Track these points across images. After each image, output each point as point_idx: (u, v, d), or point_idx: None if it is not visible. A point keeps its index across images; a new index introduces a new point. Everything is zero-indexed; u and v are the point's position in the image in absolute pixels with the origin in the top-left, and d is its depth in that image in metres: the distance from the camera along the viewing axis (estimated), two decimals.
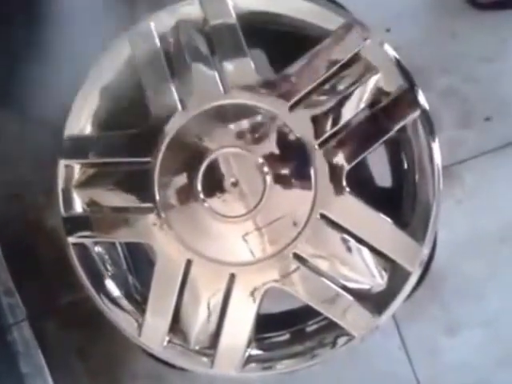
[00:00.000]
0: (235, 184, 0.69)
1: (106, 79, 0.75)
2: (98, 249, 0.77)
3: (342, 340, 0.72)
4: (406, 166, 0.72)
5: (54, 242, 1.08)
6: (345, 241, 0.69)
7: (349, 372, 1.09)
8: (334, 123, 0.69)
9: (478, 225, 1.09)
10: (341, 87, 0.69)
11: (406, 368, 1.09)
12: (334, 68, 0.69)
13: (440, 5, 1.13)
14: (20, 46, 1.16)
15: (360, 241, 0.69)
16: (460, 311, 1.09)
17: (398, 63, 0.69)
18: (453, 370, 1.08)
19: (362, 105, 0.69)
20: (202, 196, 0.69)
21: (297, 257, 0.70)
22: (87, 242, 0.76)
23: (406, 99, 0.69)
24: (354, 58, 0.69)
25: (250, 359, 0.73)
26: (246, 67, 0.70)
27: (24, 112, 1.17)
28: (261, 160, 0.69)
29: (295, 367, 0.73)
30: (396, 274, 0.70)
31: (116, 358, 1.14)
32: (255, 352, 0.74)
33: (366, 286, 0.70)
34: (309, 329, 0.76)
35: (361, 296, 0.70)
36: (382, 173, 0.78)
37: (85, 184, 0.76)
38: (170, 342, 0.74)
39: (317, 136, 0.69)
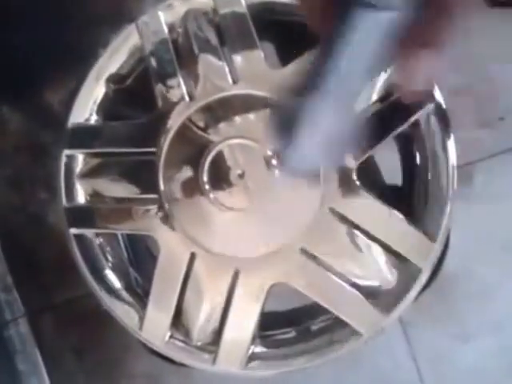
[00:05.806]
0: (242, 176, 0.67)
1: (113, 68, 0.74)
2: (99, 240, 0.75)
3: (348, 339, 0.70)
4: (418, 162, 0.70)
5: (54, 238, 1.07)
6: (354, 236, 0.67)
7: (353, 377, 1.07)
8: None
9: (489, 226, 1.07)
10: None
11: (412, 374, 1.06)
12: None
13: None
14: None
15: (370, 236, 0.67)
16: (469, 315, 1.06)
17: None
18: (462, 376, 1.06)
19: (374, 97, 0.67)
20: (207, 187, 0.68)
21: (304, 252, 0.67)
22: (89, 233, 0.74)
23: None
24: None
25: (253, 356, 0.71)
26: (256, 58, 0.69)
27: (26, 103, 1.16)
28: (269, 152, 0.67)
29: (300, 366, 0.71)
30: (407, 271, 0.67)
31: (114, 356, 1.12)
32: (259, 349, 0.71)
33: (376, 284, 0.68)
34: (315, 327, 0.74)
35: (370, 293, 0.67)
36: (390, 169, 0.77)
37: (88, 174, 0.74)
38: (171, 337, 0.72)
39: None
